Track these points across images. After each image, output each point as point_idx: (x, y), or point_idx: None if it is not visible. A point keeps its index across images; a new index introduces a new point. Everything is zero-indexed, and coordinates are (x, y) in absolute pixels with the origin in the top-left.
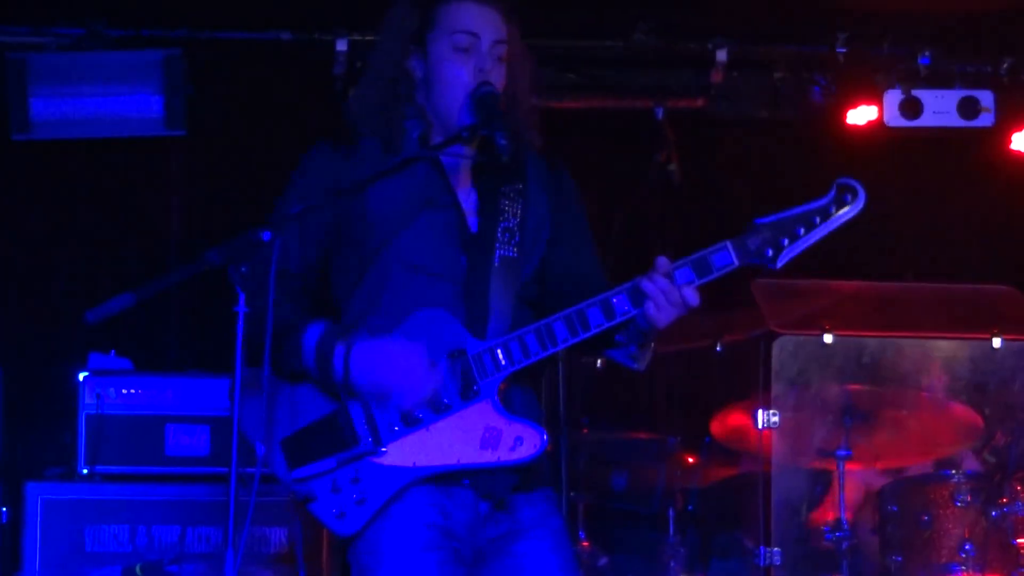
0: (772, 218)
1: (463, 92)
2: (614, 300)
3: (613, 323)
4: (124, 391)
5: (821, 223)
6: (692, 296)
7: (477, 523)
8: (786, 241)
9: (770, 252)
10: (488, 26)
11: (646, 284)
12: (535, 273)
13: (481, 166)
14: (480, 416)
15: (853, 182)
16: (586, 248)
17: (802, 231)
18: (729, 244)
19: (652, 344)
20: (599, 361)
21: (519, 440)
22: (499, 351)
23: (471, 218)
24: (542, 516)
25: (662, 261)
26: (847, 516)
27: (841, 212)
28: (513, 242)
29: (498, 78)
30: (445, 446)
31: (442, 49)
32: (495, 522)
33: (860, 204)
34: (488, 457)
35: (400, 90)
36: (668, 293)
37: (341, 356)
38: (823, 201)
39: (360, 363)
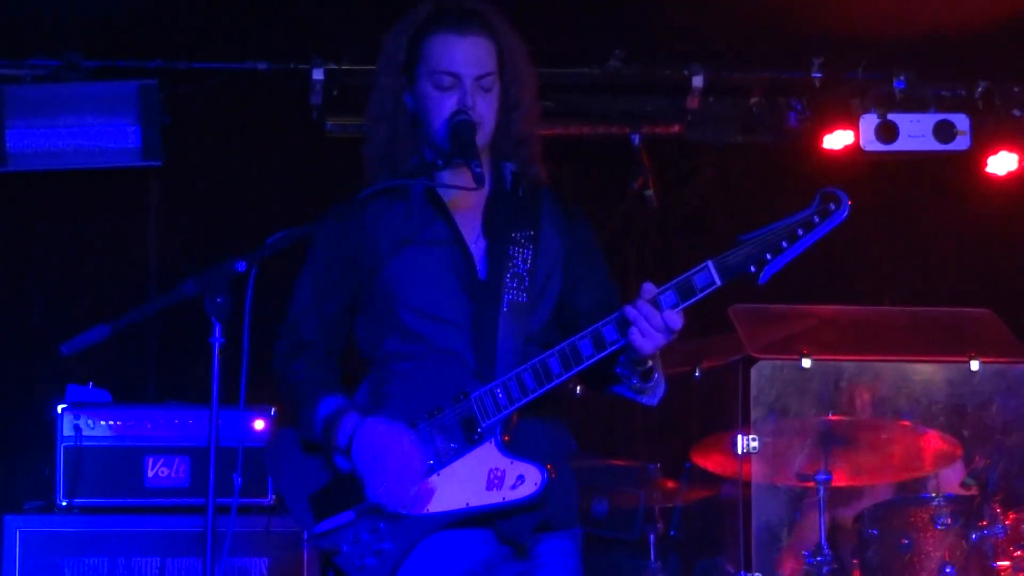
0: (755, 233)
1: (446, 125)
2: (604, 330)
3: (604, 353)
4: (103, 423)
5: (805, 234)
6: (673, 319)
7: (496, 560)
8: (769, 255)
9: (753, 268)
10: (469, 63)
11: (629, 311)
12: (551, 316)
13: (492, 213)
14: (485, 458)
15: (837, 190)
16: (604, 287)
17: (786, 244)
18: (710, 264)
19: (656, 375)
20: (578, 387)
21: (520, 479)
22: (499, 391)
23: (480, 265)
24: (558, 557)
25: (647, 287)
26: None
27: (826, 221)
28: (522, 287)
29: (485, 109)
30: (455, 490)
31: (426, 87)
32: (512, 564)
33: (844, 212)
34: (494, 498)
35: (400, 125)
36: (650, 317)
37: (348, 430)
38: (806, 212)
39: (363, 444)
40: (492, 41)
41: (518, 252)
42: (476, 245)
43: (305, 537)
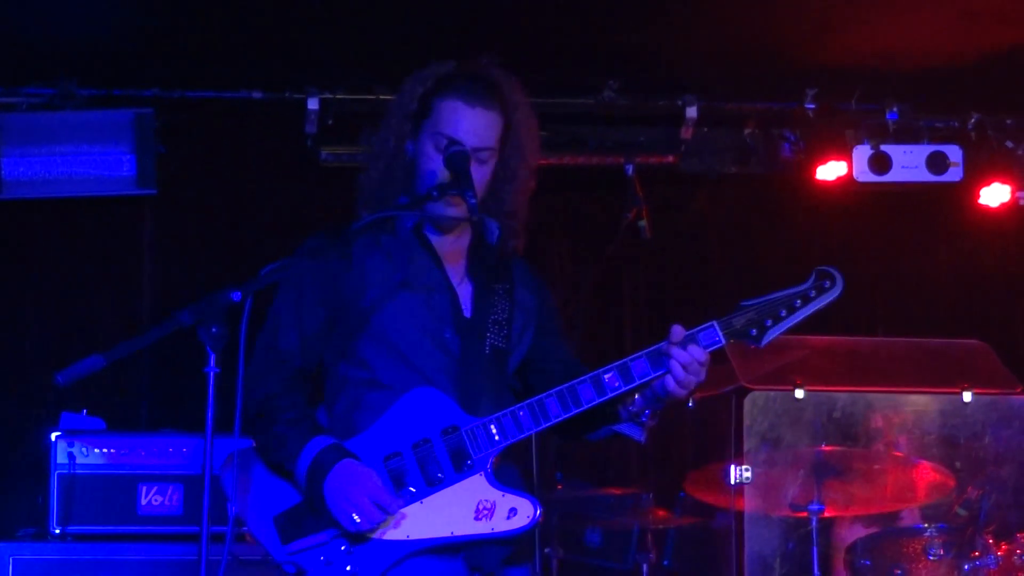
0: (757, 300)
1: (426, 181)
2: (605, 377)
3: (603, 399)
4: (96, 450)
5: (801, 307)
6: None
7: None
8: (769, 322)
9: (754, 332)
10: (471, 133)
11: (675, 350)
12: (519, 366)
13: (474, 262)
14: (474, 489)
15: (832, 269)
16: (566, 342)
17: (784, 313)
18: (716, 324)
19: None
20: None
21: (513, 511)
22: (492, 426)
23: (465, 305)
24: None
25: (677, 329)
26: None
27: (820, 297)
28: (502, 334)
29: (477, 179)
30: (439, 519)
31: (426, 144)
32: None
33: (838, 290)
34: (482, 528)
35: (396, 168)
36: (694, 353)
37: (321, 479)
38: (804, 286)
39: (334, 487)
40: (501, 115)
41: (498, 302)
42: (462, 287)
43: (274, 558)
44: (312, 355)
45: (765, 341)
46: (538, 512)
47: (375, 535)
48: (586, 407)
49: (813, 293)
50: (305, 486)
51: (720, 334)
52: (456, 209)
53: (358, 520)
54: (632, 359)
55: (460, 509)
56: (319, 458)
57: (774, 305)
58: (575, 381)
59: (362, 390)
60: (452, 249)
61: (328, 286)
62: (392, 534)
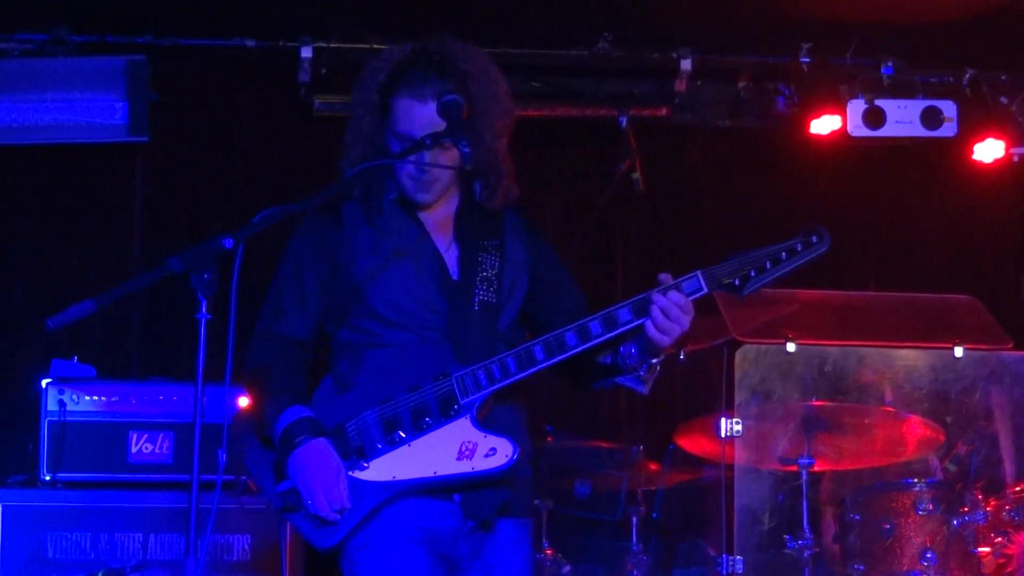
0: (743, 252)
1: (403, 174)
2: (590, 325)
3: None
4: (87, 398)
5: (787, 260)
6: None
7: (460, 533)
8: (754, 273)
9: (737, 282)
10: (427, 128)
11: (657, 296)
12: (517, 318)
13: (462, 224)
14: (458, 432)
15: (820, 227)
16: (571, 290)
17: (769, 265)
18: (699, 273)
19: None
20: None
21: (493, 451)
22: (480, 373)
23: (452, 268)
24: (518, 542)
25: (665, 277)
26: None
27: (807, 251)
28: (491, 290)
29: (442, 161)
30: (423, 460)
31: (392, 144)
32: (476, 538)
33: (825, 246)
34: (463, 467)
35: (371, 156)
36: (677, 300)
37: (287, 453)
38: (792, 241)
39: (296, 463)
40: (456, 99)
41: (487, 258)
42: (448, 251)
43: (267, 497)
44: (313, 331)
45: (747, 291)
46: (516, 452)
47: (362, 476)
48: (571, 352)
49: (800, 247)
50: (277, 454)
51: (703, 282)
52: (447, 158)
53: (310, 503)
54: (616, 307)
55: (444, 450)
56: (289, 428)
57: (760, 257)
58: (562, 328)
59: (362, 351)
60: (437, 217)
61: (325, 265)
62: (378, 475)
